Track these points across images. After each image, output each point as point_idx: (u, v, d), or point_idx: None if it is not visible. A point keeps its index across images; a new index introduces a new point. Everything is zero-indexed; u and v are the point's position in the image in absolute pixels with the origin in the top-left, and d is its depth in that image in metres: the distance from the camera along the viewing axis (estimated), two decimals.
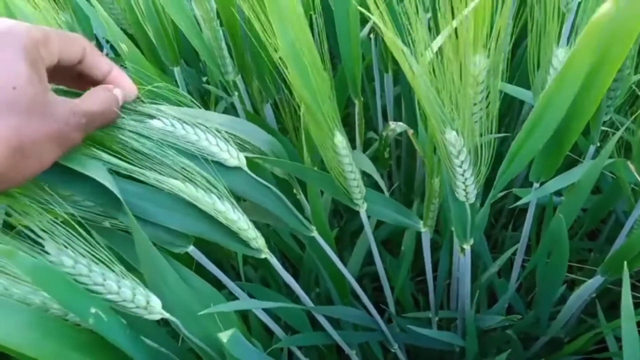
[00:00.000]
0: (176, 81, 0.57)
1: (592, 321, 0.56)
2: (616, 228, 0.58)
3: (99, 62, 0.30)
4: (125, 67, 0.46)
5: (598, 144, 0.47)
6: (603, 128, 0.49)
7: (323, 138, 0.34)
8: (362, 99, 0.57)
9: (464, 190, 0.35)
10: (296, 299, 0.49)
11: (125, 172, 0.31)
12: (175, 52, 0.55)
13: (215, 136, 0.33)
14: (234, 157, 0.34)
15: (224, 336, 0.30)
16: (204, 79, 0.67)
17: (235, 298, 0.41)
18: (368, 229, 0.42)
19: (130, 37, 0.55)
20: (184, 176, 0.32)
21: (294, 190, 0.45)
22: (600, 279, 0.43)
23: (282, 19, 0.30)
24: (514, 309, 0.57)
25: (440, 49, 0.31)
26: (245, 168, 0.34)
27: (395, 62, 0.66)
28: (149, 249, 0.31)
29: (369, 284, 0.68)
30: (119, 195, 0.29)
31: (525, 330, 0.54)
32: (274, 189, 0.36)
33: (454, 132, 0.32)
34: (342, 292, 0.49)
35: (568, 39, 0.41)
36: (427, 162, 0.39)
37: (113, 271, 0.29)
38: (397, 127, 0.62)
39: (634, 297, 0.57)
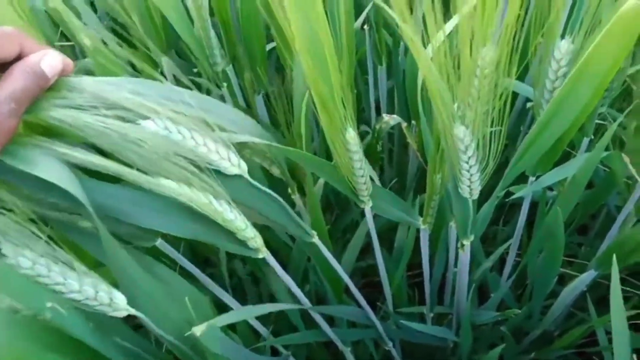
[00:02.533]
0: (163, 72, 0.55)
1: (582, 314, 0.57)
2: (607, 222, 0.58)
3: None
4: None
5: (592, 137, 0.47)
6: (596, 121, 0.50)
7: (335, 133, 0.33)
8: (354, 90, 0.56)
9: (469, 187, 0.34)
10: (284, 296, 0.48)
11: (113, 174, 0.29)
12: (162, 41, 0.53)
13: (215, 141, 0.31)
14: (235, 165, 0.32)
15: (198, 330, 0.29)
16: (195, 70, 0.65)
17: (212, 294, 0.41)
18: (372, 229, 0.41)
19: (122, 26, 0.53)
20: (178, 177, 0.30)
21: (289, 191, 0.44)
22: (593, 274, 0.43)
23: (302, 12, 0.29)
24: (504, 303, 0.57)
25: (449, 40, 0.30)
26: (247, 175, 0.33)
27: (389, 54, 0.65)
28: (113, 247, 0.29)
29: (359, 280, 0.68)
30: (77, 195, 0.27)
31: (518, 325, 0.55)
32: (276, 196, 0.34)
33: (463, 127, 0.31)
34: (337, 290, 0.48)
35: (564, 29, 0.41)
36: (430, 158, 0.38)
37: (74, 270, 0.28)
38: (391, 119, 0.62)
39: (624, 291, 0.58)
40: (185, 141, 0.30)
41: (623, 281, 0.58)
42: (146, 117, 0.29)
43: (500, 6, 0.31)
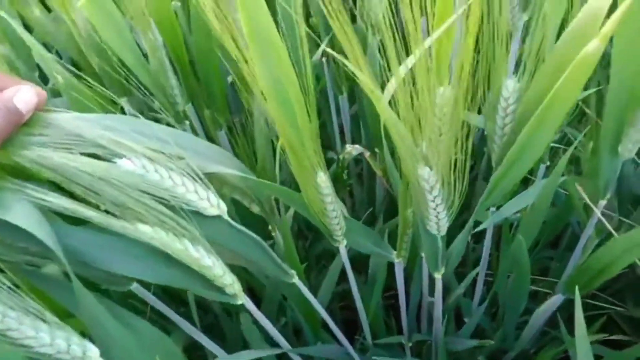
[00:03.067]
0: (124, 110, 0.54)
1: (555, 332, 0.57)
2: (574, 238, 0.59)
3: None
4: None
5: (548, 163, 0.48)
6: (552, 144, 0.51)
7: (306, 176, 0.33)
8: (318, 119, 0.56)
9: (437, 224, 0.34)
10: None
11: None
12: (122, 85, 0.52)
13: (194, 181, 0.30)
14: (214, 206, 0.31)
15: None
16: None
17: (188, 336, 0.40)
18: (347, 263, 0.41)
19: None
20: (154, 221, 0.29)
21: (270, 228, 0.43)
22: (561, 297, 0.43)
23: (265, 56, 0.28)
24: (480, 325, 0.57)
25: (407, 81, 0.30)
26: (226, 216, 0.32)
27: (349, 82, 0.66)
28: (85, 297, 0.28)
29: (337, 304, 0.67)
30: (48, 242, 0.26)
31: (494, 347, 0.55)
32: (256, 237, 0.33)
33: (427, 169, 0.31)
34: (315, 326, 0.48)
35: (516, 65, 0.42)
36: (400, 194, 0.38)
37: (45, 322, 0.27)
38: (353, 149, 0.62)
39: (597, 307, 0.59)
40: (162, 181, 0.29)
41: (594, 296, 0.60)
42: (122, 155, 0.29)
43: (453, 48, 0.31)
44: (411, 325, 0.52)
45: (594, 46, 0.26)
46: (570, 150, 0.37)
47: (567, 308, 0.57)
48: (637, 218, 0.52)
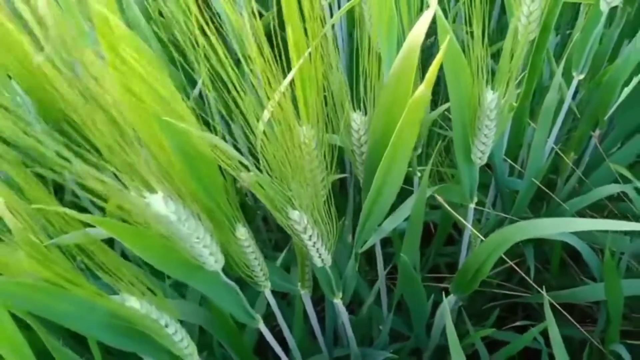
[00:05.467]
0: None
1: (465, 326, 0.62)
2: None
3: None
4: None
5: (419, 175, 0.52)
6: None
7: (224, 234, 0.34)
8: None
9: (320, 258, 0.37)
10: None
11: None
12: None
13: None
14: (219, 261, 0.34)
15: None
16: None
17: None
18: (274, 305, 0.43)
19: None
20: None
21: None
22: (454, 298, 0.47)
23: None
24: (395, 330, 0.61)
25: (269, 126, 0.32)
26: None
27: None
28: None
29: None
30: None
31: (411, 349, 0.58)
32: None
33: (297, 212, 0.33)
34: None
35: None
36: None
37: None
38: (246, 178, 0.63)
39: (502, 295, 0.63)
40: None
41: (498, 286, 0.65)
42: None
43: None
44: (330, 347, 0.55)
45: (421, 91, 0.30)
46: (429, 167, 0.41)
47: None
48: (516, 212, 0.58)
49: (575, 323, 0.49)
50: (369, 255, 0.56)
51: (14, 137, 0.26)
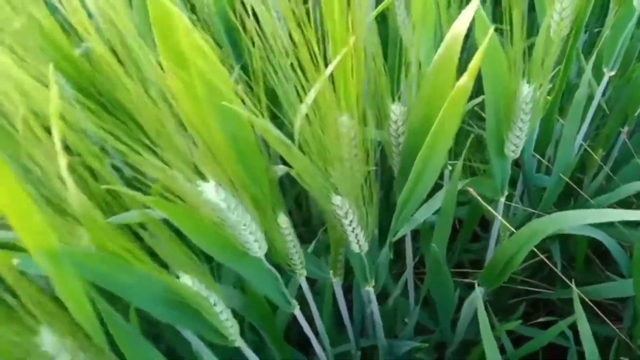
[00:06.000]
0: None
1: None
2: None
3: None
4: None
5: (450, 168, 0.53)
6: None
7: (267, 222, 0.36)
8: None
9: (357, 244, 0.38)
10: None
11: None
12: None
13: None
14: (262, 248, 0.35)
15: None
16: None
17: None
18: (308, 293, 0.43)
19: None
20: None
21: None
22: (482, 291, 0.48)
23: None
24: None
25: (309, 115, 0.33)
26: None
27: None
28: None
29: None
30: None
31: (436, 342, 0.59)
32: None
33: (339, 197, 0.34)
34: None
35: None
36: (326, 218, 0.41)
37: None
38: (279, 170, 0.64)
39: (524, 291, 0.64)
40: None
41: (522, 283, 0.66)
42: None
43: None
44: (357, 337, 0.56)
45: (463, 82, 0.31)
46: (461, 159, 0.42)
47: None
48: (543, 208, 0.58)
49: (605, 318, 0.49)
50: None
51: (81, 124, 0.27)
